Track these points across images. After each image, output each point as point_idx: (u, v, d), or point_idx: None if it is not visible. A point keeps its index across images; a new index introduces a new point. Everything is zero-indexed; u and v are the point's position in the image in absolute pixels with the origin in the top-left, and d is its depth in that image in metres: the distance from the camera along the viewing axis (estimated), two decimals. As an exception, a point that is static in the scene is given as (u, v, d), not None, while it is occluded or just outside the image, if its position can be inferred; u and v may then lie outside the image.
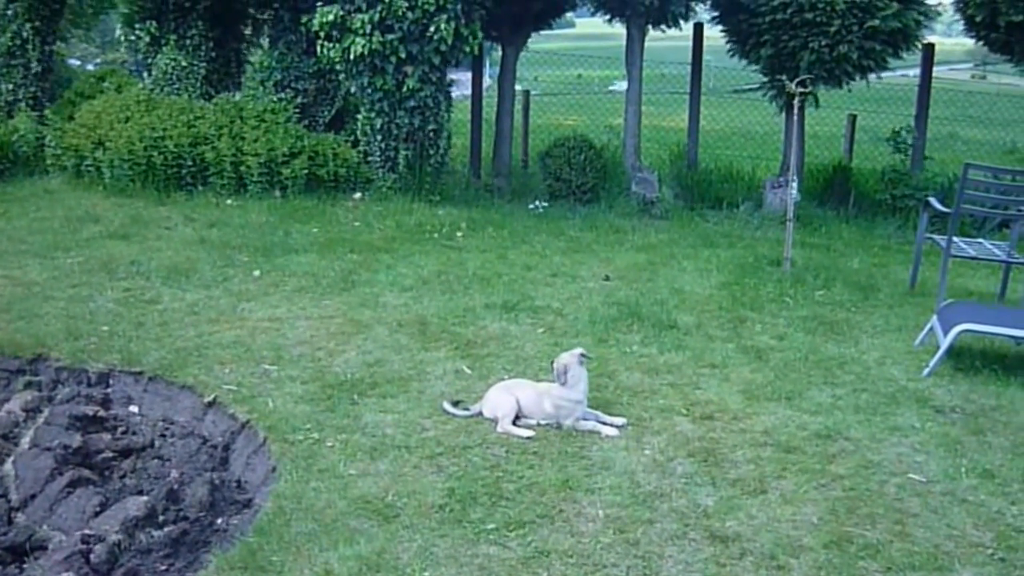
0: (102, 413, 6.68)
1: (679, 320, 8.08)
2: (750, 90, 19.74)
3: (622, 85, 14.74)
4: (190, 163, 11.36)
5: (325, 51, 11.08)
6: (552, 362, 6.35)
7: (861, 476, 5.59)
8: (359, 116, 11.56)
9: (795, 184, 9.73)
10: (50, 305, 7.94)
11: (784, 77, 11.44)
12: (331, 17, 10.86)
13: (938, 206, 9.17)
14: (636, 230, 10.92)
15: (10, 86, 12.66)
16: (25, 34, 12.44)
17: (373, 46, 10.80)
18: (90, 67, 19.95)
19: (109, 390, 7.00)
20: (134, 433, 6.63)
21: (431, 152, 11.60)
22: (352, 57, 10.91)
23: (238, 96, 12.23)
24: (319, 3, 11.04)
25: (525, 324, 7.88)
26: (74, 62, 19.39)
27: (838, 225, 11.61)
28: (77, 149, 11.66)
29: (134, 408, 6.88)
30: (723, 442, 5.99)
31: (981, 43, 11.87)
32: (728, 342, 7.69)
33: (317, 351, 7.23)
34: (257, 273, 8.87)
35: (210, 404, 6.63)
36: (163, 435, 6.62)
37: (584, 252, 9.99)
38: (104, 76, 13.21)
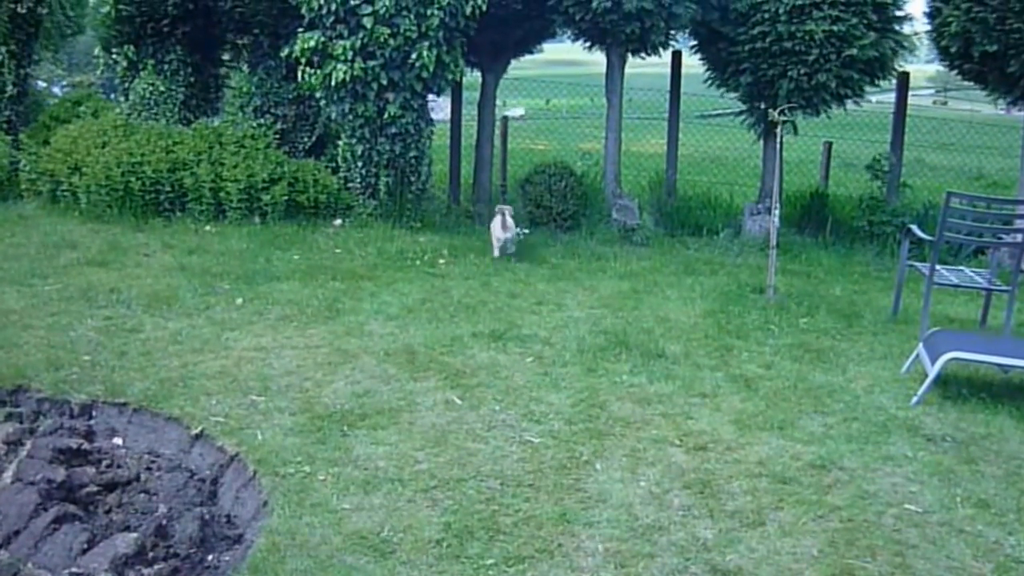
0: (86, 446, 6.55)
1: (667, 349, 8.06)
2: (718, 115, 19.90)
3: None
4: (168, 189, 11.24)
5: (306, 77, 11.02)
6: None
7: (858, 507, 5.57)
8: (340, 142, 11.50)
9: (777, 212, 9.75)
10: (29, 334, 7.81)
11: (763, 105, 11.51)
12: (312, 43, 10.82)
13: (919, 233, 9.22)
14: (618, 257, 10.91)
15: (-16, 109, 12.54)
16: (0, 57, 12.29)
17: (355, 72, 10.75)
18: (56, 89, 19.81)
19: (92, 422, 6.88)
20: (119, 466, 6.51)
21: (412, 179, 11.55)
22: (333, 83, 10.86)
23: (217, 121, 12.13)
24: (300, 29, 10.98)
25: (513, 353, 7.83)
26: (40, 84, 19.21)
27: (817, 252, 11.66)
28: (53, 174, 11.51)
29: (118, 440, 6.76)
30: (718, 473, 5.97)
31: (955, 72, 11.96)
32: (717, 371, 7.67)
33: (304, 381, 7.15)
34: (240, 301, 8.77)
35: (197, 436, 6.52)
36: (149, 468, 6.51)
37: (567, 280, 9.97)
38: (80, 100, 13.09)
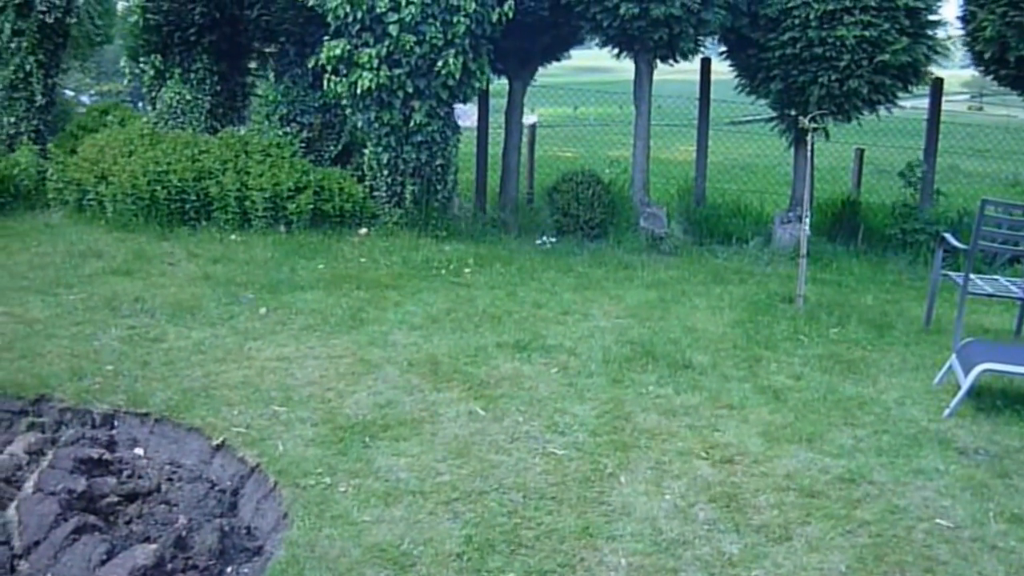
0: (107, 456, 6.52)
1: (694, 359, 7.95)
2: (748, 122, 19.74)
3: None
4: (194, 198, 11.22)
5: (332, 85, 10.98)
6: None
7: (887, 522, 5.45)
8: (365, 151, 11.45)
9: (808, 220, 9.62)
10: (53, 344, 7.80)
11: (793, 111, 11.37)
12: (338, 51, 10.77)
13: (953, 242, 9.06)
14: (645, 266, 10.80)
15: (12, 119, 12.51)
16: (28, 67, 12.32)
17: (380, 80, 10.70)
18: (84, 98, 19.92)
19: (114, 432, 6.85)
20: (140, 477, 6.48)
21: (438, 187, 11.49)
22: (359, 91, 10.82)
23: (243, 130, 12.12)
24: (326, 37, 10.95)
25: (538, 364, 7.75)
26: (68, 92, 19.33)
27: (848, 260, 11.50)
28: (79, 183, 11.53)
29: (140, 451, 6.73)
30: (745, 487, 5.86)
31: (991, 78, 11.78)
32: (744, 382, 7.56)
33: (327, 392, 7.09)
34: (264, 311, 8.73)
35: (218, 447, 6.48)
36: (170, 479, 6.47)
37: (594, 289, 9.87)
38: (107, 110, 13.11)
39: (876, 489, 5.84)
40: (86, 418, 6.90)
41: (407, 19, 10.54)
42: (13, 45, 12.25)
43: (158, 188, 11.11)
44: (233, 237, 11.02)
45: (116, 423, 6.89)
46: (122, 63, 12.89)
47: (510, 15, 10.96)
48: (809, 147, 9.89)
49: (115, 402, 6.94)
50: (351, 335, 8.23)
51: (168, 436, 6.73)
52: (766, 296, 9.79)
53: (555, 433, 6.56)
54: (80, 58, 17.68)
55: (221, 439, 6.47)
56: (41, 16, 12.17)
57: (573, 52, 13.63)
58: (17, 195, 11.87)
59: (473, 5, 10.70)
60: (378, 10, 10.55)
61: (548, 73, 15.52)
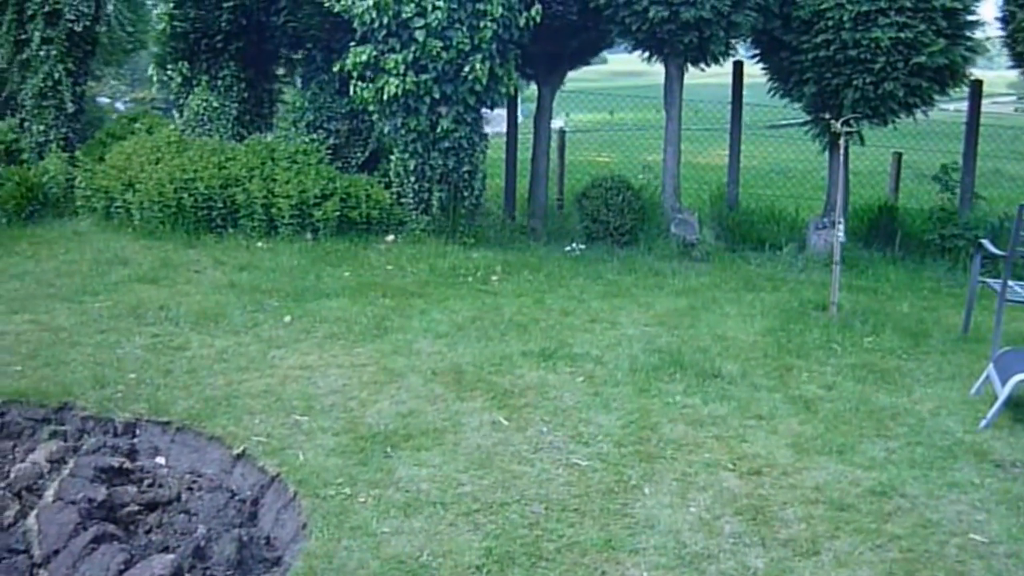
0: (128, 465, 6.47)
1: (723, 368, 7.80)
2: (786, 126, 19.50)
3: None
4: (220, 205, 11.19)
5: (358, 91, 10.92)
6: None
7: (919, 536, 5.30)
8: (392, 157, 11.38)
9: (842, 226, 9.44)
10: (77, 351, 7.77)
11: (828, 115, 11.20)
12: (364, 57, 10.71)
13: (992, 248, 8.86)
14: (676, 273, 10.64)
15: (42, 127, 12.53)
16: (57, 75, 12.34)
17: (407, 86, 10.63)
18: (119, 105, 19.98)
19: (136, 440, 6.80)
20: (160, 486, 6.42)
21: (465, 194, 11.39)
22: (385, 97, 10.74)
23: (270, 137, 12.08)
24: (352, 43, 10.89)
25: (564, 373, 7.63)
26: (103, 100, 19.39)
27: (885, 267, 11.29)
28: (107, 191, 11.53)
29: (161, 459, 6.68)
30: (772, 499, 5.73)
31: (1030, 78, 11.56)
32: (775, 392, 7.41)
33: (349, 401, 7.01)
34: (288, 319, 8.67)
35: (239, 456, 6.42)
36: (190, 488, 6.41)
37: (623, 296, 9.73)
38: (136, 117, 13.10)
39: (908, 503, 5.70)
40: (108, 427, 6.86)
41: (433, 24, 10.46)
42: (42, 53, 12.27)
43: (185, 196, 11.08)
44: (259, 244, 10.98)
45: (138, 432, 6.84)
46: (150, 70, 12.90)
47: (538, 19, 10.86)
48: (843, 151, 9.71)
49: (137, 411, 6.90)
50: (375, 343, 8.14)
51: (189, 445, 6.68)
52: (799, 304, 9.62)
53: (579, 443, 6.45)
54: (115, 65, 17.75)
55: (242, 448, 6.41)
56: (70, 24, 12.18)
57: (609, 56, 13.50)
58: (46, 202, 11.90)
59: (500, 10, 10.61)
60: (404, 15, 10.47)
61: (584, 77, 15.42)
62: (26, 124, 12.70)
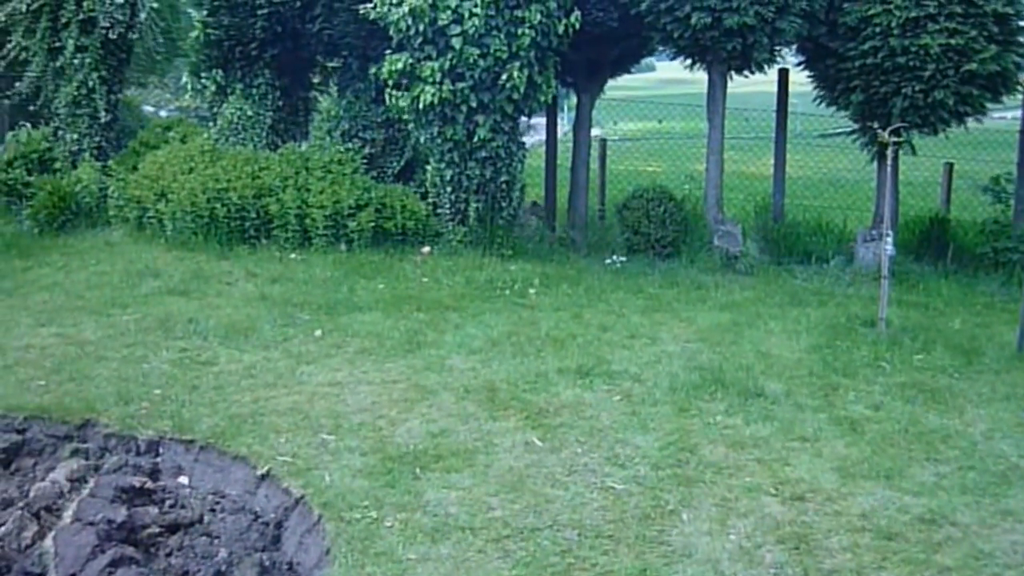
0: (150, 485, 6.31)
1: (766, 387, 7.51)
2: (837, 135, 19.11)
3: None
4: (254, 216, 11.03)
5: (394, 100, 10.72)
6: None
7: (971, 568, 5.05)
8: (428, 167, 11.17)
9: (890, 239, 9.11)
10: (102, 366, 7.62)
11: (875, 124, 10.87)
12: (400, 65, 10.51)
13: (1048, 262, 8.52)
14: (719, 287, 10.34)
15: (75, 136, 12.44)
16: (91, 83, 12.23)
17: (443, 95, 10.42)
18: (163, 113, 19.98)
19: (159, 459, 6.64)
20: (183, 507, 6.24)
21: (503, 204, 11.15)
22: (421, 106, 10.54)
23: (304, 146, 11.89)
24: (388, 51, 10.70)
25: (600, 391, 7.37)
26: (148, 108, 19.38)
27: (936, 281, 10.91)
28: (139, 201, 11.40)
29: (184, 479, 6.50)
30: (816, 527, 5.48)
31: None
32: (820, 412, 7.12)
33: (378, 419, 6.81)
34: (319, 333, 8.47)
35: (263, 477, 6.23)
36: (213, 510, 6.23)
37: (664, 311, 9.44)
38: (170, 126, 12.99)
39: (959, 531, 5.45)
40: (131, 444, 6.71)
41: (470, 31, 10.25)
42: (76, 61, 12.18)
43: (218, 206, 10.93)
44: (293, 256, 10.80)
45: (161, 450, 6.68)
46: (184, 79, 12.78)
47: (577, 26, 10.62)
48: (891, 161, 9.39)
49: (161, 428, 6.74)
50: (407, 359, 7.93)
51: (213, 464, 6.50)
52: (846, 319, 9.29)
53: (615, 466, 6.22)
54: (158, 73, 17.70)
55: (267, 468, 6.24)
56: (104, 32, 12.08)
57: (657, 63, 13.21)
58: (79, 212, 11.80)
59: (539, 16, 10.39)
60: (441, 23, 10.27)
61: (630, 85, 15.15)
62: (59, 133, 12.62)
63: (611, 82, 13.32)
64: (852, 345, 8.57)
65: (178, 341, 8.21)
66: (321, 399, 7.12)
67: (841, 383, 7.70)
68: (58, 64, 12.39)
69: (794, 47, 11.58)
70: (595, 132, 15.68)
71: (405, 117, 10.94)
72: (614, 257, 11.13)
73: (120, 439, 6.70)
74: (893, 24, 10.34)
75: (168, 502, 6.27)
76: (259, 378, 7.49)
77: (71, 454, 6.67)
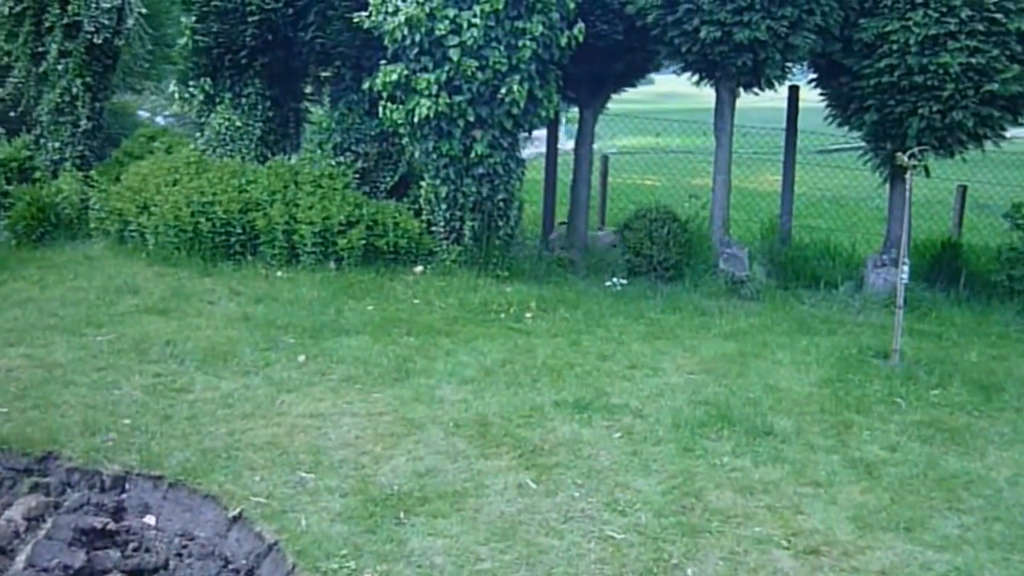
0: (112, 526, 5.85)
1: (775, 424, 7.07)
2: (837, 150, 18.67)
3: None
4: (239, 231, 10.53)
5: (388, 113, 10.27)
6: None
7: (1005, 638, 4.59)
8: (423, 183, 10.71)
9: (906, 268, 8.67)
10: (70, 392, 7.17)
11: (889, 145, 10.44)
12: (395, 77, 10.05)
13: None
14: (724, 313, 9.88)
15: (57, 144, 11.96)
16: (75, 90, 11.77)
17: (439, 108, 9.97)
18: (159, 120, 19.50)
19: (124, 496, 6.20)
20: (147, 550, 5.81)
21: (500, 223, 10.68)
22: (416, 120, 10.08)
23: (294, 159, 11.40)
24: (383, 61, 10.26)
25: (599, 427, 6.93)
26: (144, 114, 18.91)
27: (949, 309, 10.46)
28: (121, 213, 10.92)
29: (150, 519, 6.04)
30: (834, 587, 5.03)
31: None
32: (833, 453, 6.69)
33: (361, 456, 6.37)
34: (302, 358, 8.01)
35: (235, 519, 5.78)
36: (179, 554, 5.79)
37: (666, 338, 8.99)
38: (155, 135, 12.53)
39: (990, 594, 4.99)
40: (95, 480, 6.26)
41: (469, 42, 9.81)
42: (60, 67, 11.73)
43: (202, 220, 10.45)
44: (279, 274, 10.32)
45: (127, 486, 6.25)
46: (171, 87, 12.32)
47: (580, 39, 10.18)
48: (907, 186, 8.95)
49: (128, 462, 6.31)
50: (395, 389, 7.48)
51: (182, 503, 6.05)
52: (857, 350, 8.84)
53: (614, 512, 5.80)
54: (154, 79, 17.21)
55: (239, 510, 5.80)
56: (89, 37, 11.64)
57: (656, 76, 12.76)
58: (58, 224, 11.30)
59: (540, 28, 9.95)
60: (438, 33, 9.82)
61: (628, 99, 14.70)
62: (41, 141, 12.16)
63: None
64: (865, 379, 8.13)
65: (153, 365, 7.75)
66: (301, 432, 6.67)
67: (854, 420, 7.27)
68: (41, 70, 11.95)
69: (805, 64, 11.14)
70: (593, 146, 15.24)
71: (399, 131, 10.48)
72: (614, 279, 10.68)
73: (83, 474, 6.25)
74: (911, 41, 9.90)
75: (132, 545, 5.84)
76: (236, 408, 7.04)
77: (30, 489, 6.22)
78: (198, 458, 6.27)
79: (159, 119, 19.96)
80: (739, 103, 11.24)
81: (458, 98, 10.03)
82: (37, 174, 11.89)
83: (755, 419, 7.13)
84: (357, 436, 6.64)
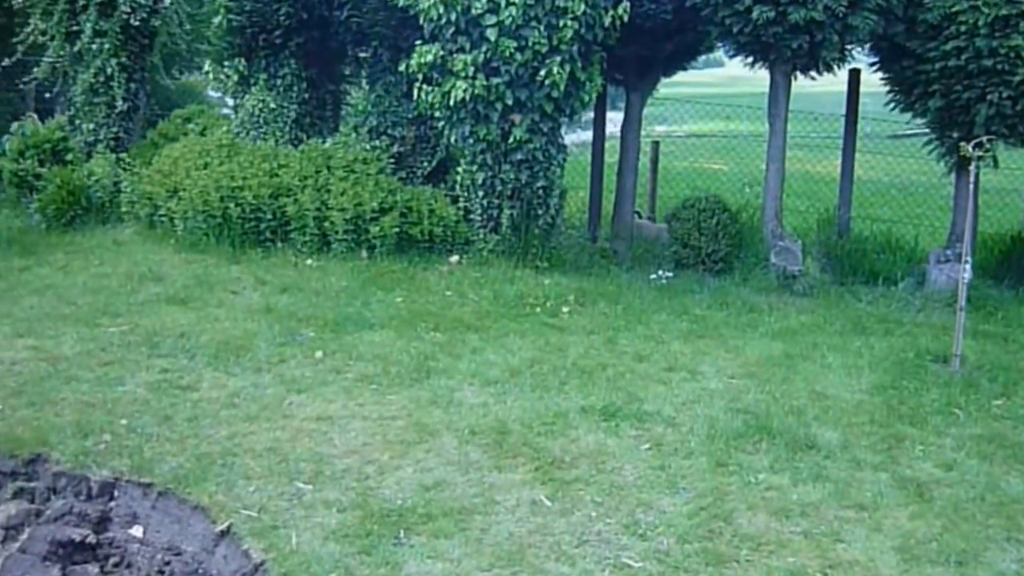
0: (92, 539, 5.48)
1: (819, 437, 6.53)
2: (911, 135, 17.88)
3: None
4: (269, 217, 10.15)
5: (423, 95, 9.82)
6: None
7: None
8: (459, 169, 10.25)
9: (968, 264, 8.05)
10: (70, 388, 6.84)
11: (955, 133, 9.78)
12: (430, 57, 9.60)
13: None
14: (774, 310, 9.31)
15: (91, 126, 11.72)
16: (110, 70, 11.49)
17: (476, 91, 9.50)
18: (230, 100, 19.30)
19: (112, 504, 5.82)
20: (128, 566, 5.44)
21: (539, 212, 10.18)
22: (452, 103, 9.62)
23: (329, 142, 10.97)
24: (419, 41, 9.80)
25: (627, 436, 6.43)
26: (213, 94, 18.70)
27: (1016, 309, 9.77)
28: (151, 197, 10.61)
29: (137, 530, 5.66)
30: (873, 631, 4.51)
31: None
32: (881, 470, 6.14)
33: (366, 465, 5.95)
34: (320, 354, 7.61)
35: (223, 534, 5.37)
36: (161, 571, 5.41)
37: (709, 337, 8.45)
38: (191, 116, 12.21)
39: (1052, 646, 4.43)
40: (81, 486, 5.90)
41: (507, 22, 9.32)
42: (95, 47, 11.46)
43: (231, 205, 10.08)
44: (309, 262, 9.92)
45: (116, 493, 5.86)
46: (206, 67, 11.97)
47: (625, 18, 9.64)
48: (973, 177, 8.31)
49: (118, 468, 5.95)
50: (412, 390, 7.04)
51: (171, 514, 5.67)
52: (915, 354, 8.23)
53: (634, 536, 5.32)
54: (194, 61, 16.91)
55: (227, 524, 5.38)
56: (126, 16, 11.35)
57: (725, 59, 12.08)
58: (90, 207, 11.04)
59: (582, 7, 9.43)
60: (475, 11, 9.35)
61: (696, 82, 14.12)
62: (76, 122, 11.90)
63: (672, 78, 12.32)
64: (921, 386, 7.53)
65: (162, 360, 7.40)
66: (305, 437, 6.27)
67: (907, 433, 6.70)
68: (76, 49, 11.69)
69: (867, 46, 10.48)
70: (660, 129, 14.71)
71: (435, 114, 10.02)
72: (660, 272, 10.13)
73: (71, 479, 5.90)
74: (980, 23, 9.24)
75: (113, 559, 5.47)
76: (241, 408, 6.65)
77: (14, 495, 5.89)
78: (192, 464, 5.89)
79: (228, 97, 19.75)
80: (803, 87, 10.61)
81: (496, 80, 9.55)
82: (70, 156, 11.62)
83: (797, 430, 6.59)
84: (364, 443, 6.21)
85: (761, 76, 10.96)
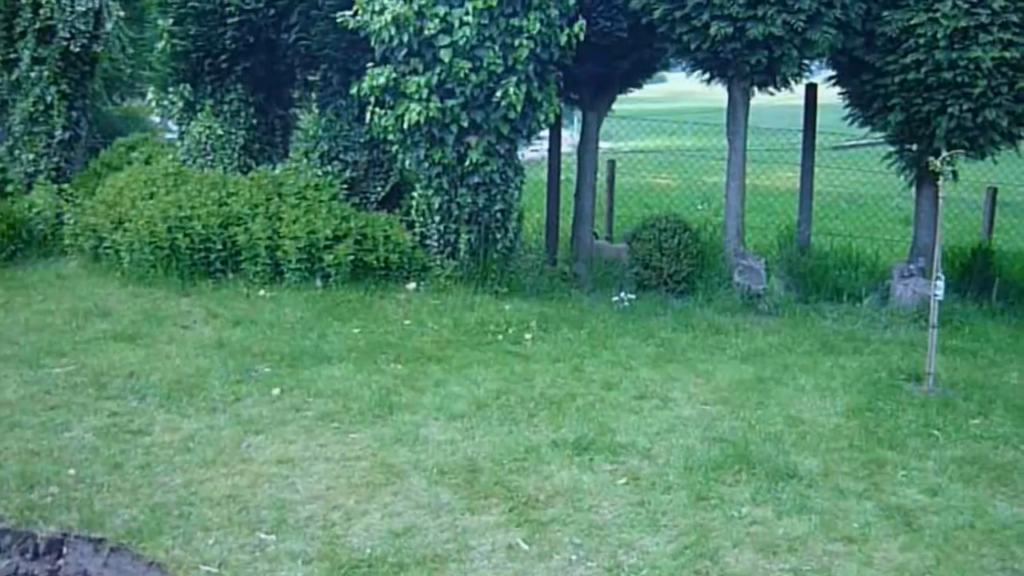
0: (39, 602, 5.13)
1: (799, 465, 6.33)
2: (853, 146, 17.87)
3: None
4: (219, 247, 9.80)
5: (376, 119, 9.55)
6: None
7: None
8: (415, 194, 9.98)
9: (940, 283, 7.91)
10: (13, 436, 6.46)
11: (915, 146, 9.68)
12: (383, 80, 9.33)
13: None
14: (740, 330, 9.13)
15: (31, 156, 11.28)
16: (49, 98, 11.09)
17: (431, 113, 9.24)
18: (172, 124, 18.91)
19: (61, 562, 5.46)
20: (80, 631, 5.07)
21: (498, 235, 9.94)
22: (406, 126, 9.36)
23: (279, 169, 10.66)
24: (370, 64, 9.53)
25: (602, 471, 6.19)
26: (155, 119, 18.31)
27: (983, 322, 9.68)
28: (95, 229, 10.20)
29: (89, 589, 5.32)
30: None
31: None
32: (866, 498, 5.95)
33: (332, 511, 5.64)
34: (277, 391, 7.29)
35: (182, 592, 5.05)
36: (116, 636, 5.05)
37: (678, 362, 8.24)
38: (134, 145, 11.83)
39: None
40: (27, 544, 5.52)
41: (461, 42, 9.08)
42: (33, 74, 11.06)
43: (179, 236, 9.72)
44: (261, 293, 9.59)
45: (65, 550, 5.49)
46: (149, 95, 11.61)
47: (581, 37, 9.43)
48: (939, 191, 8.18)
49: (66, 522, 5.58)
50: (375, 427, 6.75)
51: (125, 571, 5.32)
52: (887, 373, 8.08)
53: (617, 580, 5.04)
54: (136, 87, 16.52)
55: (186, 582, 5.05)
56: (65, 43, 10.97)
57: (668, 75, 11.94)
58: (31, 241, 10.63)
59: (538, 26, 9.21)
60: (428, 32, 9.10)
61: (639, 99, 13.98)
62: (15, 152, 11.46)
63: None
64: (897, 407, 7.38)
65: (110, 402, 7.03)
66: (266, 482, 5.95)
67: (888, 458, 6.53)
68: (13, 77, 11.28)
69: (824, 60, 10.36)
70: (605, 145, 14.50)
71: (389, 138, 9.75)
72: (622, 294, 9.91)
73: (16, 536, 5.52)
74: (939, 35, 9.14)
75: (64, 624, 5.12)
76: (196, 453, 6.32)
77: (-45, 555, 5.51)
78: (146, 516, 5.56)
79: (172, 123, 19.33)
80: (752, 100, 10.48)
81: (450, 102, 9.30)
82: (10, 188, 11.20)
83: (777, 458, 6.39)
84: (328, 487, 5.91)
85: (704, 91, 10.82)
